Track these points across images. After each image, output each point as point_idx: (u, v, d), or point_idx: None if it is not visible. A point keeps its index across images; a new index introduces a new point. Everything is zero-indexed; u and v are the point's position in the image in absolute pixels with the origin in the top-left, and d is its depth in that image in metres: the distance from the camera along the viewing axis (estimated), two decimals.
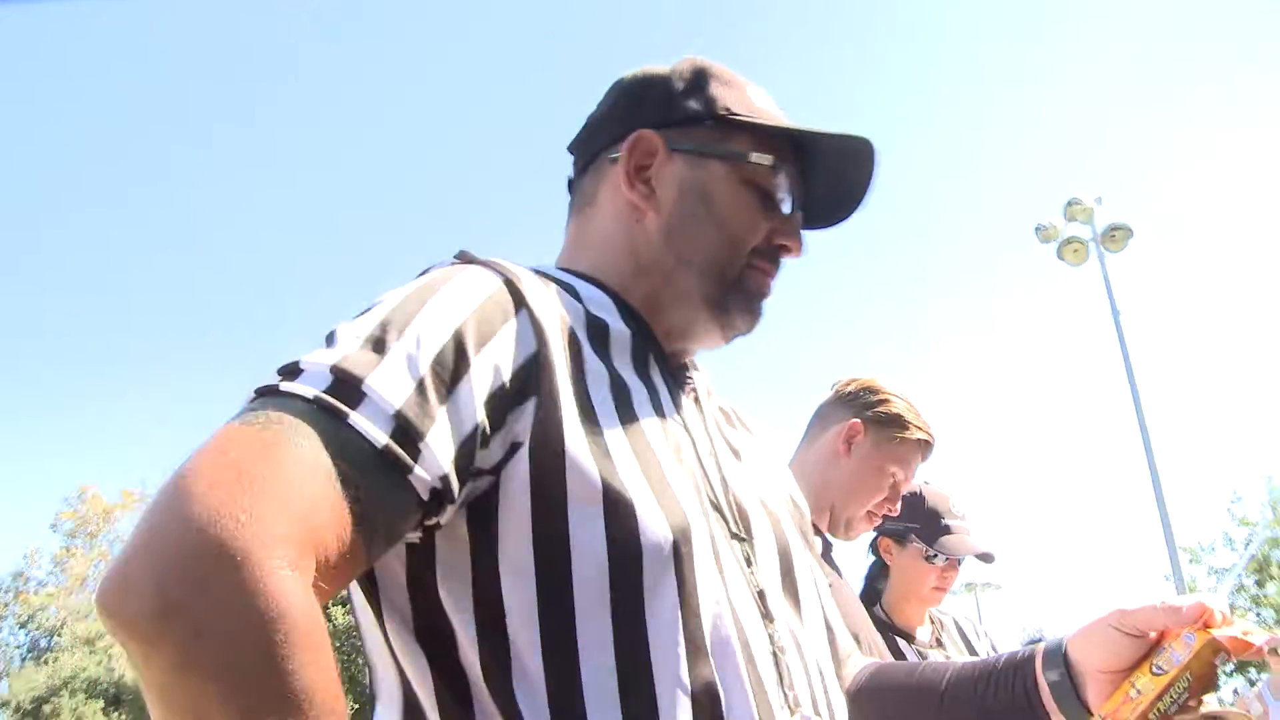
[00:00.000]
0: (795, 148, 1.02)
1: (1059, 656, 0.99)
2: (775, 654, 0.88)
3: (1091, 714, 0.96)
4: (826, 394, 2.08)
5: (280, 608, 0.62)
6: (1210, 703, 0.94)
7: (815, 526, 1.93)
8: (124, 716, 23.35)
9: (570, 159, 1.11)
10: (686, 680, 0.80)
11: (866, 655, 1.23)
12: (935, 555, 2.23)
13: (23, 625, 27.03)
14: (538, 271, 0.93)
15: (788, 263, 1.04)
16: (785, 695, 0.87)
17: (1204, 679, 0.90)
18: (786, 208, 1.01)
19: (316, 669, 0.63)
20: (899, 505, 2.03)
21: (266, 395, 0.74)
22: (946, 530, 2.26)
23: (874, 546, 2.37)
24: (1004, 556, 2.31)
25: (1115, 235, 11.78)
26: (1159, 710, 0.90)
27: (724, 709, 0.81)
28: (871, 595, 2.32)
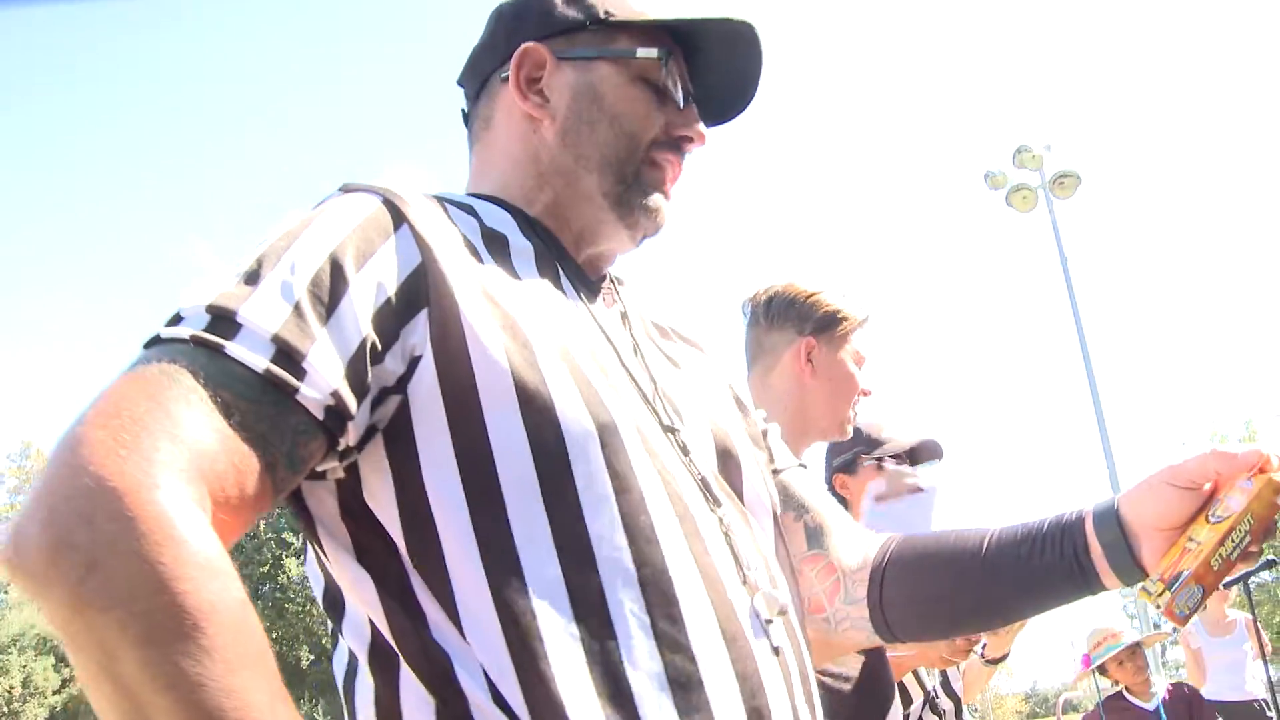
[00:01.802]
0: (684, 43, 1.03)
1: (1111, 516, 0.97)
2: (726, 535, 0.88)
3: (1147, 574, 0.94)
4: (745, 318, 2.04)
5: (166, 532, 0.63)
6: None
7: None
8: (74, 672, 23.15)
9: (462, 95, 1.11)
10: (631, 565, 0.80)
11: None
12: (883, 460, 2.27)
13: None
14: (436, 197, 0.94)
15: (693, 153, 1.05)
16: (742, 575, 0.87)
17: (1264, 522, 0.89)
18: (680, 100, 1.02)
19: (214, 588, 0.64)
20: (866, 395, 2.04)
21: (151, 345, 0.75)
22: (884, 443, 2.30)
23: (831, 489, 2.41)
24: (951, 501, 2.35)
25: (1064, 182, 11.88)
26: (1221, 556, 0.89)
27: (674, 589, 0.81)
28: None
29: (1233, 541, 0.89)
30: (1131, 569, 0.96)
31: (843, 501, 2.35)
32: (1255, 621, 5.39)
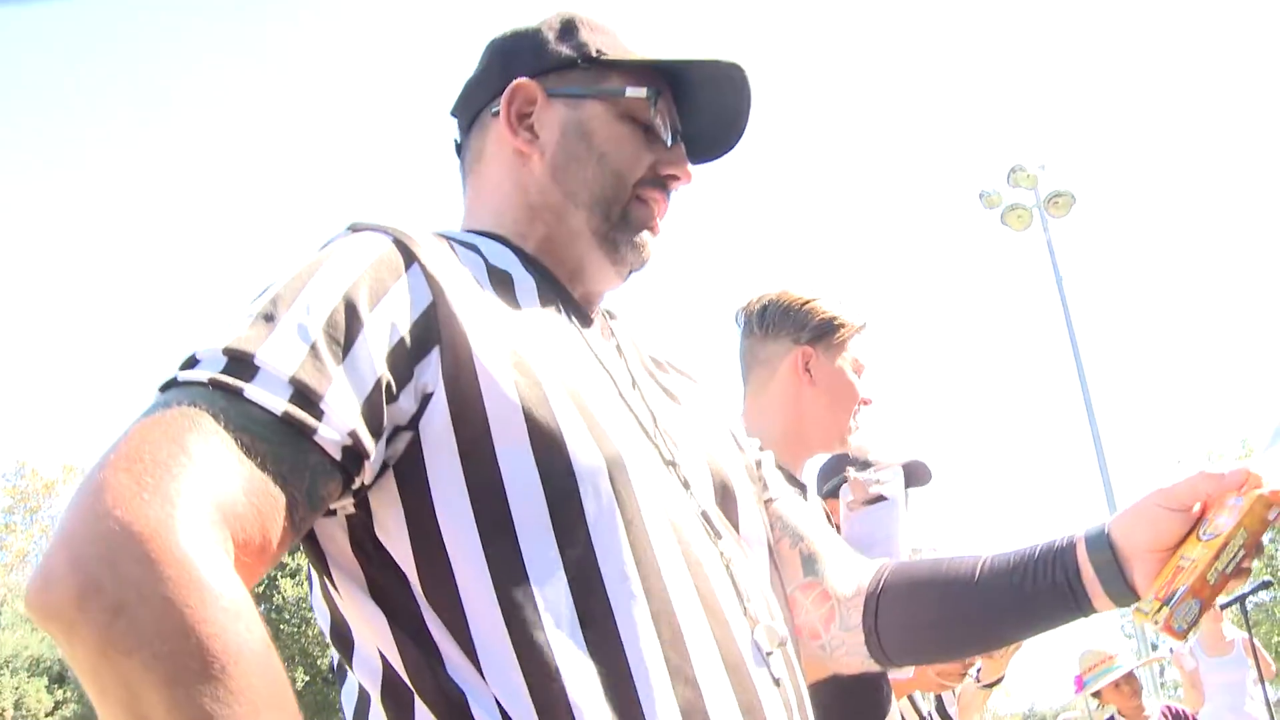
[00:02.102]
0: (674, 82, 1.05)
1: (1103, 540, 0.99)
2: (726, 568, 0.91)
3: (1139, 597, 0.96)
4: (739, 328, 1.99)
5: (191, 575, 0.64)
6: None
7: (792, 475, 1.89)
8: (67, 694, 23.03)
9: (454, 125, 1.13)
10: (642, 597, 0.82)
11: None
12: (848, 468, 2.24)
13: None
14: (439, 234, 0.95)
15: (680, 191, 1.07)
16: (743, 607, 0.90)
17: (1256, 537, 0.91)
18: (668, 138, 1.03)
19: (239, 630, 0.65)
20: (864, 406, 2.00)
21: (168, 389, 0.76)
22: (872, 465, 2.28)
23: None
24: (945, 524, 2.33)
25: (1058, 201, 11.94)
26: (1217, 570, 0.90)
27: (680, 621, 0.83)
28: None
29: (1227, 557, 0.91)
30: (1124, 591, 0.98)
31: (835, 526, 2.35)
32: (1252, 640, 5.37)
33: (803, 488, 1.95)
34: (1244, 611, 5.43)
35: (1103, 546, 0.98)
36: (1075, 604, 1.00)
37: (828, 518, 2.35)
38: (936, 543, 2.47)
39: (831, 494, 2.30)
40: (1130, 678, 4.33)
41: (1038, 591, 1.01)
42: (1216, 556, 0.90)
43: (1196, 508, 0.96)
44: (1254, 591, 5.71)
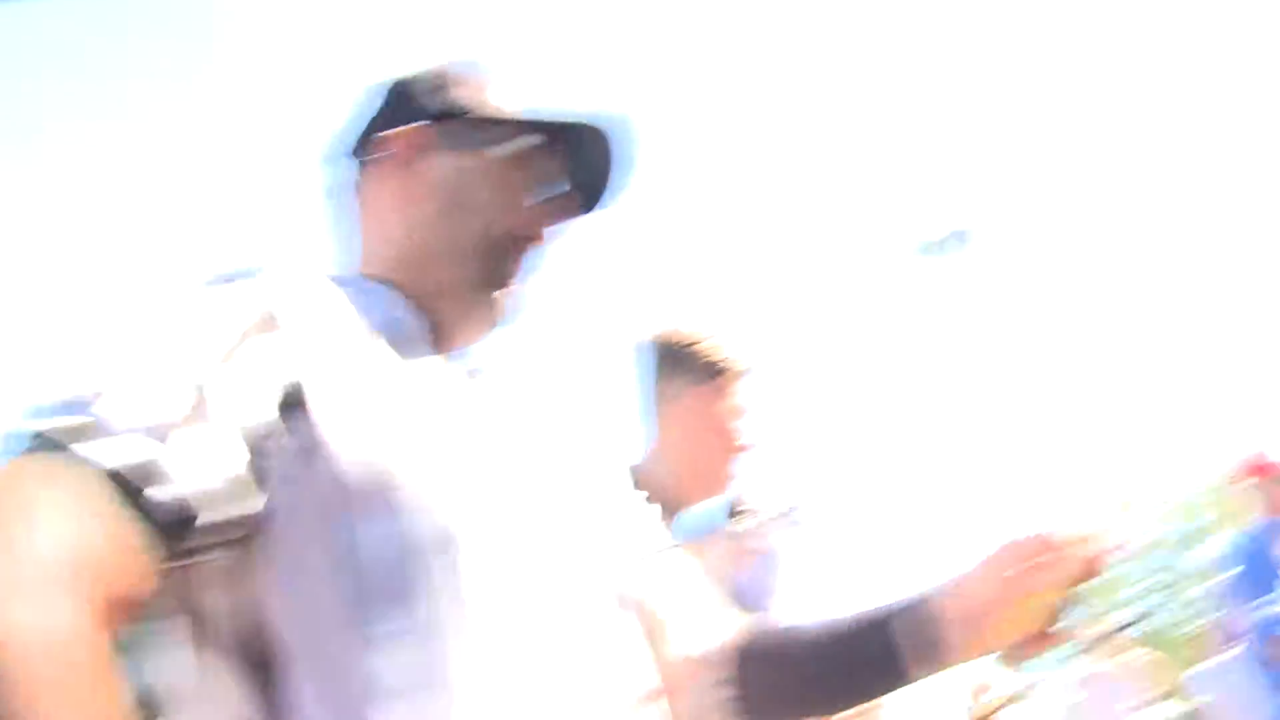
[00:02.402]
0: (558, 136, 1.06)
1: (927, 608, 1.02)
2: (589, 631, 0.92)
3: (955, 662, 1.02)
4: (632, 367, 1.96)
5: (23, 643, 0.64)
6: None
7: (681, 519, 1.89)
8: None
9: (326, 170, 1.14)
10: (503, 662, 0.83)
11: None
12: (756, 533, 2.21)
13: None
14: (319, 280, 0.94)
15: (544, 250, 1.08)
16: (604, 671, 0.91)
17: (1064, 593, 0.99)
18: (535, 197, 1.05)
19: (64, 695, 0.64)
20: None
21: (9, 439, 0.76)
22: (753, 513, 2.23)
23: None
24: (807, 563, 2.30)
25: (966, 237, 12.04)
26: (1036, 625, 0.99)
27: (541, 689, 0.84)
28: None
29: (1044, 613, 0.99)
30: (937, 658, 1.02)
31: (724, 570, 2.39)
32: (1134, 672, 5.54)
33: (695, 533, 1.95)
34: (1131, 638, 5.56)
35: (926, 613, 1.02)
36: (896, 671, 1.03)
37: (718, 562, 2.41)
38: (824, 591, 2.44)
39: (716, 540, 2.34)
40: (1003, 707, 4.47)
41: (866, 659, 1.05)
42: (1034, 614, 0.98)
43: (1032, 562, 1.00)
44: (1126, 627, 5.88)
